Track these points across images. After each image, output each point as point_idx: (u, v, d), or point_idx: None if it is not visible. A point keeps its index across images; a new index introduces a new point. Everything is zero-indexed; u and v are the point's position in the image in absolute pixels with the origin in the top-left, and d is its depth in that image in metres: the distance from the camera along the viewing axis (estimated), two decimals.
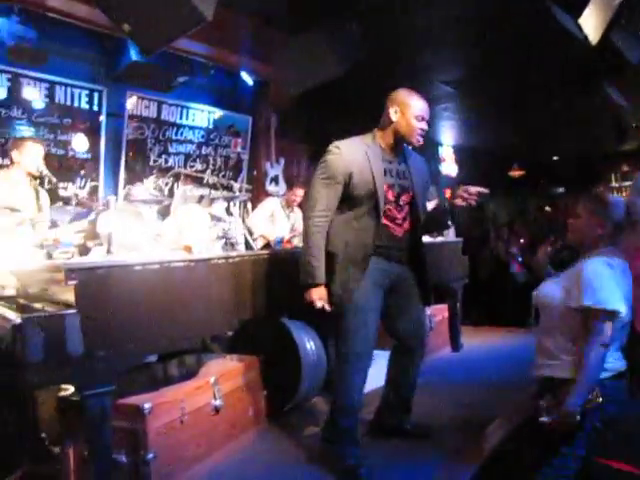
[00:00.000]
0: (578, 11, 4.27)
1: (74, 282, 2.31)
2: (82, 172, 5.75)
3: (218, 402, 3.01)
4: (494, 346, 5.66)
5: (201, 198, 4.56)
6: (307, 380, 3.55)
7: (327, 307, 2.83)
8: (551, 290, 2.37)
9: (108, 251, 2.72)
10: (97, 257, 2.90)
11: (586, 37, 4.41)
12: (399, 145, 3.04)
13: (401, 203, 3.01)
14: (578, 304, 2.22)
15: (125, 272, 2.51)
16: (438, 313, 5.33)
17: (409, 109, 2.95)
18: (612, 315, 2.18)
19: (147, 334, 2.56)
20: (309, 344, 3.64)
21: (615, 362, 2.28)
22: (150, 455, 2.56)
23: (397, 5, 5.28)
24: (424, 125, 2.99)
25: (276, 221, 5.83)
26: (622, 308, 2.19)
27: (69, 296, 2.37)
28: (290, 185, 6.18)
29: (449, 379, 4.50)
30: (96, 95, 5.73)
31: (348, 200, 2.91)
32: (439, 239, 5.87)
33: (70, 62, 5.54)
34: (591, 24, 4.39)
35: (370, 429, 3.27)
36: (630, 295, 2.28)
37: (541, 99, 7.94)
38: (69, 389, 2.77)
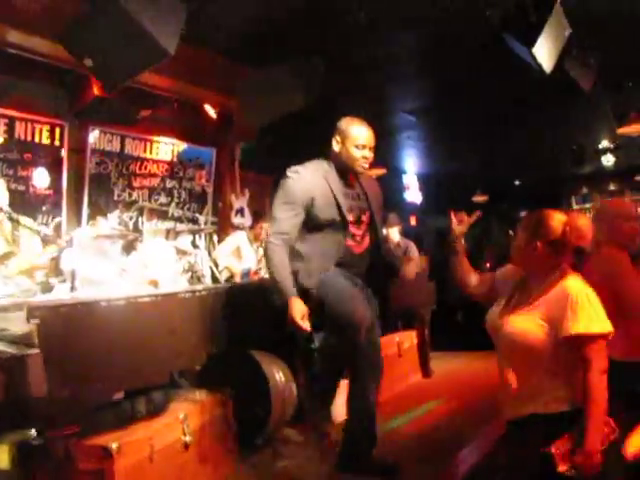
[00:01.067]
0: (531, 41, 4.40)
1: (37, 321, 2.27)
2: (44, 208, 5.65)
3: (188, 438, 2.95)
4: (464, 371, 5.69)
5: (168, 232, 4.54)
6: (277, 412, 3.51)
7: (306, 325, 2.80)
8: (526, 328, 2.12)
9: (72, 288, 2.67)
10: (61, 294, 2.84)
11: (540, 66, 4.55)
12: (348, 171, 3.12)
13: (360, 222, 3.12)
14: (570, 332, 2.03)
15: (90, 309, 2.47)
16: (407, 339, 5.34)
17: (348, 139, 3.06)
18: (605, 338, 2.05)
19: (114, 371, 2.52)
20: (278, 375, 3.61)
21: None
22: None
23: (358, 38, 5.39)
24: (366, 152, 3.07)
25: (243, 255, 5.79)
26: (611, 328, 2.05)
27: (31, 335, 2.32)
28: (257, 218, 6.17)
29: (419, 406, 4.50)
30: (57, 130, 5.66)
31: (312, 223, 2.97)
32: None
33: (30, 97, 5.47)
34: (544, 54, 4.53)
35: (337, 463, 3.20)
36: None
37: (502, 125, 8.13)
38: (28, 434, 2.68)
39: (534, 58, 4.49)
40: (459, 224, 2.69)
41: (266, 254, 2.96)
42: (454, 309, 7.42)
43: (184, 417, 2.99)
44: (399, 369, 5.10)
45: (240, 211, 7.21)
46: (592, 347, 2.02)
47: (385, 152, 9.87)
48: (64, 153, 5.72)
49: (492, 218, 14.69)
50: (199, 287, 3.20)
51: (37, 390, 2.20)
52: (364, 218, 3.15)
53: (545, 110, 7.47)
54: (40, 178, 5.50)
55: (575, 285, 2.09)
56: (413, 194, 11.44)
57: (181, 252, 3.90)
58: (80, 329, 2.41)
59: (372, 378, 3.17)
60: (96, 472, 2.50)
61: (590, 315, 2.03)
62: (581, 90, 5.44)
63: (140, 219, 6.26)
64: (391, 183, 10.43)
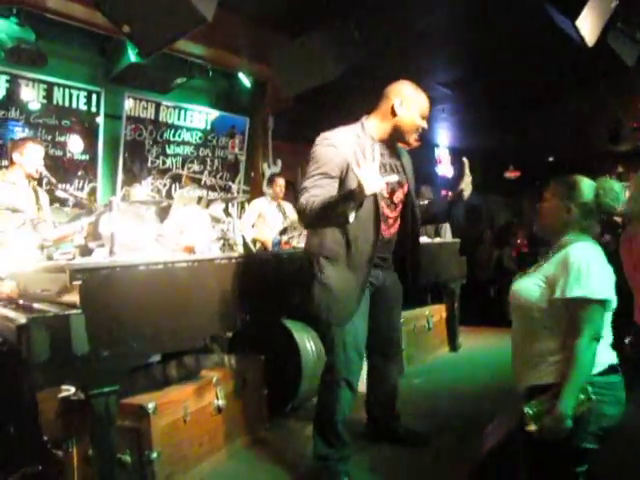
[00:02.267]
0: (575, 13, 4.28)
1: (79, 282, 2.32)
2: (80, 173, 5.75)
3: (221, 402, 3.02)
4: (492, 346, 5.67)
5: (199, 199, 4.56)
6: (307, 380, 3.56)
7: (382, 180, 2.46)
8: (526, 286, 2.14)
9: (111, 252, 2.72)
10: (100, 258, 2.90)
11: (583, 39, 4.43)
12: (393, 140, 2.85)
13: (395, 201, 2.85)
14: (566, 295, 2.00)
15: (129, 272, 2.52)
16: (436, 313, 5.35)
17: (417, 105, 2.78)
18: (604, 305, 2.01)
19: (151, 333, 2.57)
20: (309, 344, 3.66)
21: (604, 355, 2.06)
22: (154, 454, 2.57)
23: (394, 7, 5.31)
24: (425, 124, 2.83)
25: (267, 219, 5.82)
26: (613, 297, 2.03)
27: (72, 296, 2.38)
28: (270, 180, 6.19)
29: (446, 379, 4.52)
30: (94, 96, 5.73)
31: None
32: (437, 240, 5.90)
33: (68, 63, 5.55)
34: (588, 26, 4.40)
35: (363, 434, 3.26)
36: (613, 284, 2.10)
37: (537, 100, 7.98)
38: (71, 390, 2.77)
39: (577, 31, 4.37)
40: None
41: (304, 208, 2.56)
42: (484, 284, 7.39)
43: (217, 381, 3.06)
44: (428, 342, 5.12)
45: None
46: (585, 312, 2.00)
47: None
48: (100, 119, 5.79)
49: (524, 195, 14.50)
50: (234, 254, 3.23)
51: (79, 349, 2.26)
52: (399, 194, 2.83)
53: (583, 84, 7.30)
54: (77, 144, 5.58)
55: (578, 249, 2.07)
56: (445, 168, 11.32)
57: (215, 220, 3.93)
58: (120, 291, 2.46)
59: (391, 359, 3.21)
60: (133, 430, 2.58)
61: (585, 280, 1.99)
62: (623, 64, 5.29)
63: (174, 186, 6.35)
64: (423, 156, 10.34)
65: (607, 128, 9.82)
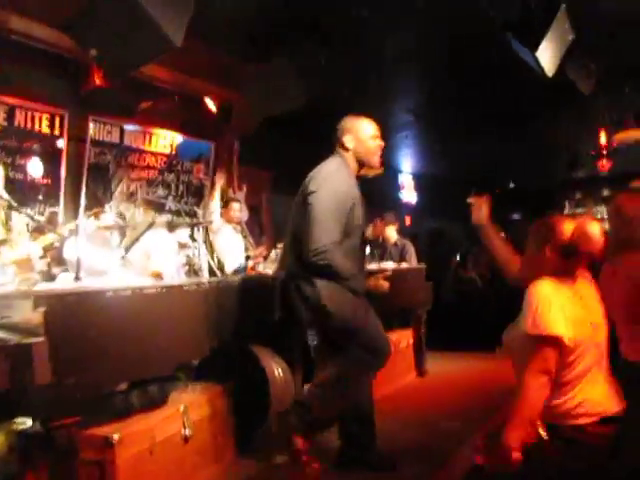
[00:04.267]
0: (535, 45, 4.43)
1: (43, 309, 2.25)
2: (40, 197, 5.60)
3: (188, 431, 2.95)
4: (459, 371, 5.71)
5: (151, 225, 4.47)
6: (276, 406, 3.51)
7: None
8: (511, 331, 2.20)
9: (76, 277, 2.65)
10: (64, 283, 2.83)
11: (543, 69, 4.58)
12: (359, 169, 3.10)
13: None
14: (526, 332, 2.01)
15: (96, 298, 2.46)
16: (403, 338, 5.35)
17: (362, 132, 3.04)
18: (553, 341, 1.96)
19: (118, 361, 2.51)
20: (277, 370, 3.61)
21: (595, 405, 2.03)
22: None
23: (359, 36, 5.39)
24: (379, 142, 3.08)
25: (222, 242, 5.77)
26: (563, 332, 1.97)
27: (35, 324, 2.30)
28: (225, 203, 6.16)
29: (414, 405, 4.51)
30: (57, 119, 5.63)
31: (344, 229, 2.89)
32: (403, 265, 5.94)
33: (31, 85, 5.43)
34: (547, 57, 4.56)
35: (335, 460, 3.24)
36: (586, 318, 2.08)
37: (499, 127, 8.16)
38: (25, 423, 2.66)
39: (537, 61, 4.51)
40: (477, 210, 2.77)
41: (328, 263, 2.81)
42: (450, 309, 7.44)
43: (184, 410, 2.99)
44: (395, 368, 5.11)
45: None
46: (534, 347, 1.99)
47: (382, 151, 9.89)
48: (63, 143, 5.68)
49: None
50: (203, 280, 3.19)
51: (40, 378, 2.18)
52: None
53: (542, 113, 7.51)
54: (38, 167, 5.45)
55: (535, 288, 2.06)
56: (409, 194, 11.45)
57: (181, 245, 3.88)
58: (86, 318, 2.40)
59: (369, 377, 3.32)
60: (97, 462, 2.49)
61: (536, 317, 1.99)
62: (580, 94, 5.48)
63: (137, 211, 6.26)
64: (387, 182, 10.46)
65: (565, 155, 10.11)
